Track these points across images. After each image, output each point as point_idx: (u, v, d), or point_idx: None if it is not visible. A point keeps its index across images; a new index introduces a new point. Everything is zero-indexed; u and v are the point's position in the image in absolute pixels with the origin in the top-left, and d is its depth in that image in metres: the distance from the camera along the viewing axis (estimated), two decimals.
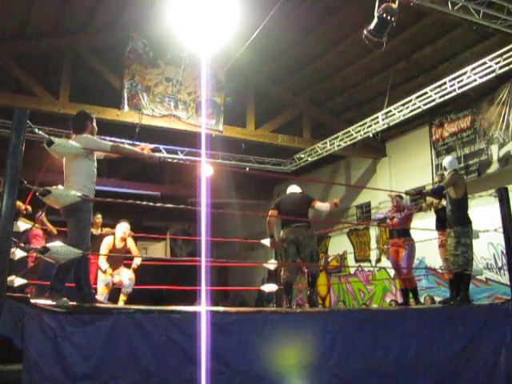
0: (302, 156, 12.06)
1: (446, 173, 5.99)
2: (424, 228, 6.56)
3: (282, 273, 5.83)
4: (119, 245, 7.01)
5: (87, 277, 4.45)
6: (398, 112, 9.50)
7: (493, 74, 7.78)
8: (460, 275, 5.67)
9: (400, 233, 6.76)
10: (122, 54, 9.63)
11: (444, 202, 6.21)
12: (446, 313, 5.07)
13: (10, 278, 4.12)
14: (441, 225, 6.43)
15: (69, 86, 9.28)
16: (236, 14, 7.07)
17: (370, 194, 12.09)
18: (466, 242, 5.54)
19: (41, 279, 8.11)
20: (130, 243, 7.09)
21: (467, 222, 5.67)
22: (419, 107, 9.09)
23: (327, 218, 13.55)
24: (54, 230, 8.22)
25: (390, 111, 9.65)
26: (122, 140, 10.63)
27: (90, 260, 8.56)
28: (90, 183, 4.26)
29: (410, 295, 6.93)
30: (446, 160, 6.20)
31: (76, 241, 4.00)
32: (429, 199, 6.72)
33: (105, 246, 6.96)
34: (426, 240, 6.77)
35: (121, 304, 6.46)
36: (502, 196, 5.48)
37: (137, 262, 6.90)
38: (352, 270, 12.72)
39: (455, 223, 5.63)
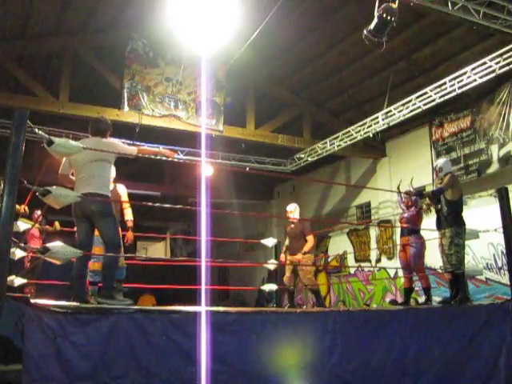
0: (302, 156, 12.06)
1: (441, 174, 6.05)
2: (424, 228, 6.56)
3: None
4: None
5: (86, 275, 4.49)
6: (398, 112, 9.50)
7: (493, 74, 7.78)
8: (453, 275, 5.80)
9: (409, 231, 6.73)
10: (122, 54, 9.63)
11: None
12: (446, 313, 5.07)
13: (9, 278, 4.12)
14: (441, 225, 6.44)
15: (69, 86, 9.28)
16: (236, 14, 7.07)
17: (370, 194, 12.09)
18: (458, 243, 5.73)
19: (39, 279, 8.13)
20: (123, 191, 5.80)
21: (462, 223, 5.84)
22: (419, 107, 9.09)
23: (327, 218, 13.58)
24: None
25: (390, 111, 9.65)
26: (122, 140, 10.64)
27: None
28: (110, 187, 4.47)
29: (413, 294, 6.90)
30: (441, 161, 6.26)
31: (118, 239, 4.26)
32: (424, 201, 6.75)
33: None
34: (426, 240, 6.76)
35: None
36: (502, 196, 5.48)
37: (129, 216, 5.78)
38: (352, 270, 12.72)
39: (450, 224, 5.79)
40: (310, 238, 7.34)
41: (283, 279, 7.56)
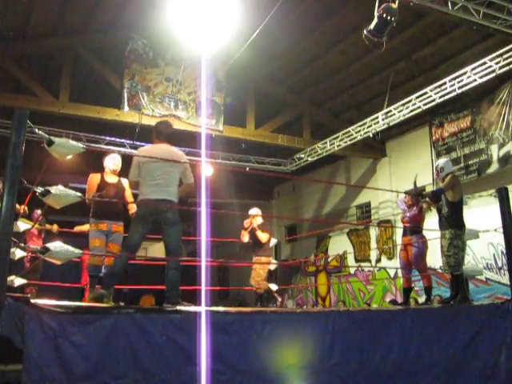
0: (302, 156, 12.06)
1: (442, 174, 6.02)
2: (425, 228, 6.55)
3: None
4: (111, 179, 5.39)
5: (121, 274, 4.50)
6: (398, 112, 9.50)
7: (493, 74, 7.78)
8: (453, 275, 5.77)
9: (411, 231, 6.71)
10: (122, 53, 9.63)
11: None
12: (446, 313, 5.07)
13: (9, 278, 4.12)
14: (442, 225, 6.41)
15: (69, 86, 9.28)
16: (236, 14, 7.06)
17: (370, 194, 12.10)
18: (458, 244, 5.69)
19: (42, 279, 8.13)
20: (127, 184, 5.35)
21: (462, 224, 5.81)
22: (419, 107, 9.10)
23: (327, 218, 13.58)
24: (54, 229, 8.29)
25: (390, 111, 9.65)
26: (122, 140, 10.64)
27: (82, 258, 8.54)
28: None
29: (412, 294, 6.87)
30: (442, 161, 6.23)
31: (181, 247, 4.36)
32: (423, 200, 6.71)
33: (90, 183, 5.29)
34: (428, 240, 6.74)
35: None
36: (502, 196, 5.47)
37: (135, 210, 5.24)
38: (352, 270, 12.72)
39: (450, 225, 5.75)
40: (266, 234, 7.60)
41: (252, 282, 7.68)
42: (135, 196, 5.07)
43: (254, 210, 7.93)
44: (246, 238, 7.76)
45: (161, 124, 4.81)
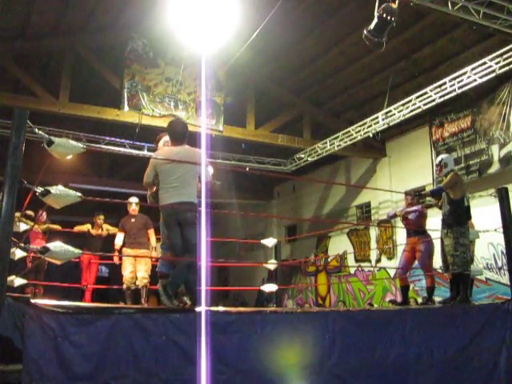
0: (302, 156, 12.06)
1: (445, 170, 5.94)
2: (425, 228, 6.55)
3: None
4: None
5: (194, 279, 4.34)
6: (398, 112, 9.50)
7: (493, 74, 7.79)
8: (459, 275, 5.69)
9: (416, 231, 6.69)
10: (122, 53, 9.64)
11: None
12: (446, 313, 5.07)
13: (9, 278, 4.12)
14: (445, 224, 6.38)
15: (69, 86, 9.29)
16: (236, 13, 7.06)
17: (370, 194, 12.10)
18: (464, 243, 5.59)
19: (46, 279, 8.14)
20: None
21: (464, 222, 5.74)
22: (419, 107, 9.10)
23: (327, 218, 13.58)
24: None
25: (390, 111, 9.65)
26: (122, 140, 10.65)
27: (90, 260, 8.56)
28: None
29: (412, 294, 6.85)
30: (445, 156, 6.12)
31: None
32: (428, 199, 6.69)
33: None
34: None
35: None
36: (502, 196, 5.47)
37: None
38: (352, 270, 12.72)
39: (453, 224, 5.67)
40: (152, 232, 7.30)
41: (126, 278, 7.20)
42: None
43: (136, 199, 7.44)
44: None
45: (175, 124, 4.70)
